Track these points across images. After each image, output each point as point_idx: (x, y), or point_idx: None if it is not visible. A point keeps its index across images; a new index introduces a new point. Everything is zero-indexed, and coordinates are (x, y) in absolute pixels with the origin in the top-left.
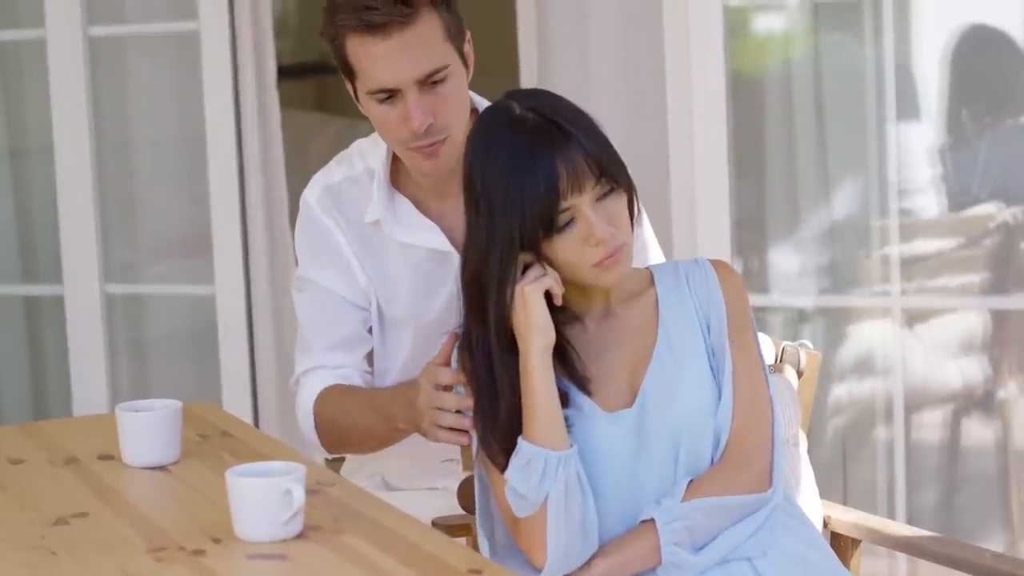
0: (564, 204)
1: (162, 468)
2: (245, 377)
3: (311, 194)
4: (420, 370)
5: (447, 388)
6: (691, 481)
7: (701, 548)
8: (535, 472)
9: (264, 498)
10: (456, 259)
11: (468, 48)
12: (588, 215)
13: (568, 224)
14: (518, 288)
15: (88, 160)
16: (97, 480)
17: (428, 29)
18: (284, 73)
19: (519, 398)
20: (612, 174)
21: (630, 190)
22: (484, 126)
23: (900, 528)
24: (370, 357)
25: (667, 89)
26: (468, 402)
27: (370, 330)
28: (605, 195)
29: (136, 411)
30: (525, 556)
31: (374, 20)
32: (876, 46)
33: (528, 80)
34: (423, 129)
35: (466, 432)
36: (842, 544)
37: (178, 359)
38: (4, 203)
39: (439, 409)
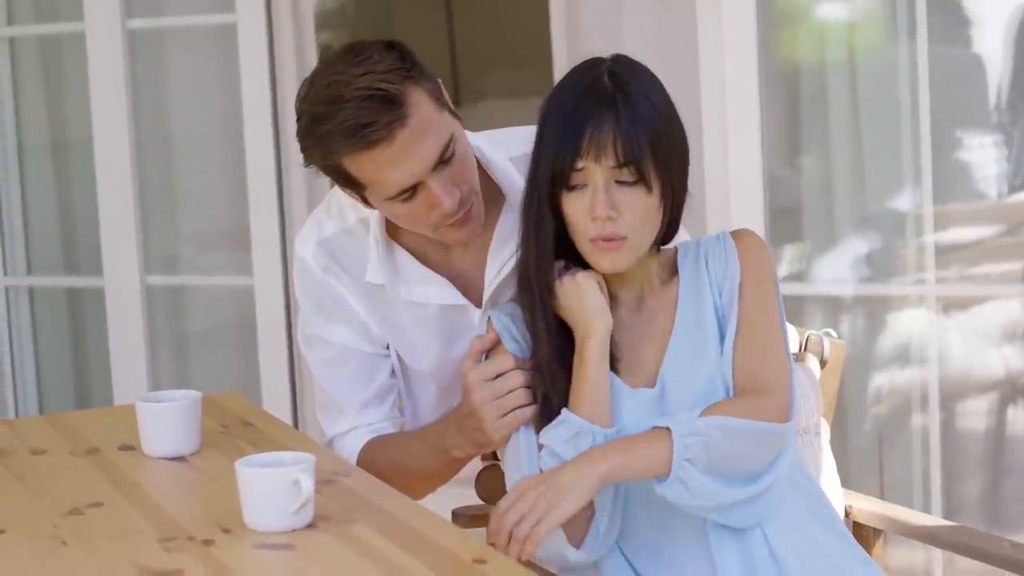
0: (579, 164)
1: (181, 459)
2: (284, 368)
3: (306, 251)
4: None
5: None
6: (706, 409)
7: (711, 476)
8: (583, 446)
9: (272, 488)
10: (472, 310)
11: (447, 96)
12: (597, 187)
13: (579, 187)
14: (572, 278)
15: (127, 153)
16: (115, 470)
17: (424, 112)
18: None
19: (553, 353)
20: (641, 170)
21: (666, 200)
22: (571, 69)
23: (919, 517)
24: (400, 399)
25: (700, 78)
26: (527, 376)
27: (393, 371)
28: (626, 183)
29: (157, 402)
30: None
31: (379, 136)
32: (911, 35)
33: (559, 71)
34: (456, 207)
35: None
36: (864, 534)
37: (219, 350)
38: (46, 196)
39: (500, 398)
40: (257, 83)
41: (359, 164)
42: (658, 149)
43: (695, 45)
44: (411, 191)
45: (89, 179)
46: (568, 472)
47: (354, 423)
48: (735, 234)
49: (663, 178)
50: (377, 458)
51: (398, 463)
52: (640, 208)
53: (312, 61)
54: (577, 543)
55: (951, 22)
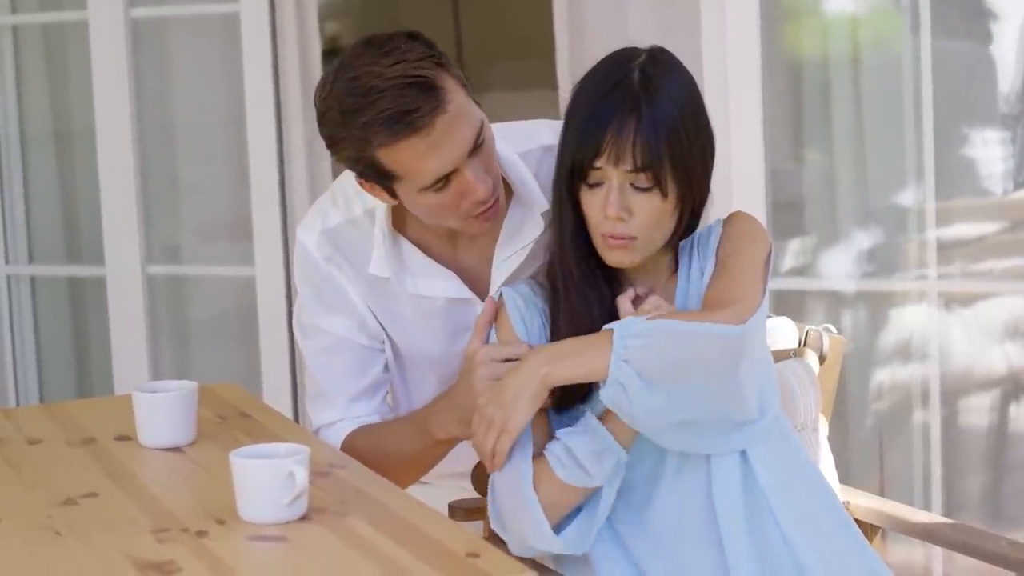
0: (598, 163)
1: (177, 449)
2: (285, 359)
3: (309, 240)
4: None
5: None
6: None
7: (654, 383)
8: (606, 464)
9: (266, 480)
10: (477, 304)
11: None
12: (612, 188)
13: (597, 184)
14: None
15: (130, 142)
16: (111, 461)
17: (458, 99)
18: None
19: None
20: (657, 176)
21: (683, 204)
22: (606, 57)
23: (917, 514)
24: (390, 394)
25: (704, 71)
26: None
27: (386, 366)
28: (641, 188)
29: (153, 392)
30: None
31: (423, 122)
32: (915, 30)
33: (562, 63)
34: (489, 193)
35: None
36: (862, 530)
37: (221, 341)
38: (48, 185)
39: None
40: (260, 73)
41: (395, 154)
42: (678, 156)
43: (698, 38)
44: (445, 180)
45: (91, 168)
46: (512, 383)
47: (342, 415)
48: (726, 219)
49: (680, 184)
50: (360, 444)
51: (381, 448)
52: (653, 212)
53: (316, 51)
54: (557, 528)
55: (957, 17)
